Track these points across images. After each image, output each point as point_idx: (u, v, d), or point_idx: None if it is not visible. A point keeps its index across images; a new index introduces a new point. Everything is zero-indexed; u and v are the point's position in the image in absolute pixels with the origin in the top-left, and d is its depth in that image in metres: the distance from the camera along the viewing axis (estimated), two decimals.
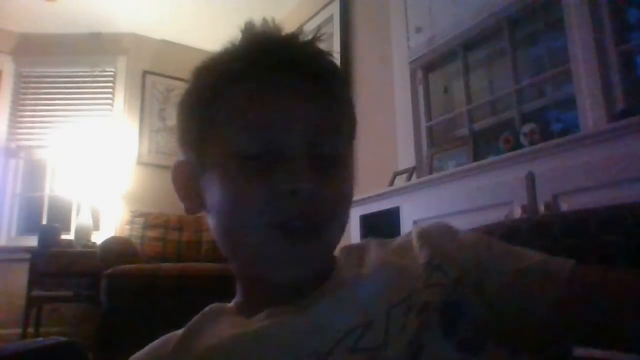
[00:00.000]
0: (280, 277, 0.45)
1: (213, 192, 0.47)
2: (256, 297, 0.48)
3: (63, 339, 0.53)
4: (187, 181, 0.51)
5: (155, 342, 0.49)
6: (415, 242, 0.50)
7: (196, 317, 0.49)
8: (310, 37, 0.48)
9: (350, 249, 0.53)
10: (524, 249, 0.48)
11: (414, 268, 0.47)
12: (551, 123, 1.97)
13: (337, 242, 0.49)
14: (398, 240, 0.53)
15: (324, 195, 0.44)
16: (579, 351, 0.56)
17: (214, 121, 0.47)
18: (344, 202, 0.48)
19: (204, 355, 0.43)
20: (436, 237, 0.50)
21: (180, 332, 0.48)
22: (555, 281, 0.43)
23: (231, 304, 0.52)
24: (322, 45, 0.49)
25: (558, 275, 0.43)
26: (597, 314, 0.42)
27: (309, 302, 0.44)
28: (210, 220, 0.49)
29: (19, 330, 2.89)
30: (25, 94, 3.72)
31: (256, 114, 0.44)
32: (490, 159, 1.78)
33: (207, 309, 0.51)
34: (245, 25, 0.49)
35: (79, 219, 3.27)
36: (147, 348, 0.49)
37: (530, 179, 1.43)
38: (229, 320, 0.48)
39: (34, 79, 3.75)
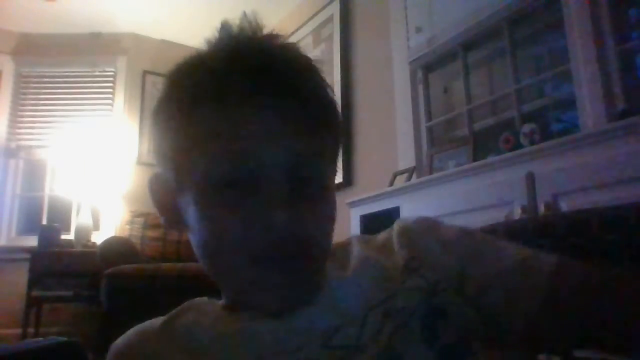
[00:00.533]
0: (267, 305, 0.43)
1: (190, 215, 0.45)
2: (240, 304, 0.48)
3: (63, 339, 0.53)
4: (164, 196, 0.48)
5: (135, 329, 0.49)
6: (395, 240, 0.49)
7: (175, 311, 0.49)
8: (288, 41, 0.45)
9: (334, 251, 0.51)
10: (508, 245, 0.46)
11: (394, 269, 0.46)
12: (551, 123, 1.97)
13: (324, 261, 0.47)
14: (381, 236, 0.52)
15: (302, 224, 0.41)
16: (580, 352, 0.56)
17: (187, 142, 0.43)
18: (327, 225, 0.45)
19: (187, 333, 0.45)
20: (417, 236, 0.48)
21: (162, 318, 0.49)
22: (533, 285, 0.42)
23: (219, 302, 0.52)
24: (311, 49, 0.46)
25: (536, 277, 0.42)
26: (577, 320, 0.42)
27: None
28: (191, 238, 0.47)
29: (19, 331, 2.89)
30: (25, 94, 3.72)
31: (231, 139, 0.41)
32: (490, 159, 1.78)
33: (193, 300, 0.51)
34: (222, 25, 0.46)
35: (79, 219, 3.27)
36: (124, 337, 0.49)
37: (530, 179, 1.43)
38: (214, 312, 0.48)
39: (34, 79, 3.75)
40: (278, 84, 0.41)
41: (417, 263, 0.45)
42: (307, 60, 0.45)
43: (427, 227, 0.49)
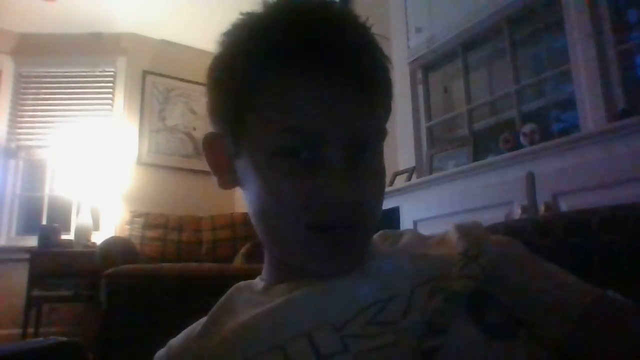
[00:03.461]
0: (319, 270, 0.45)
1: (249, 179, 0.46)
2: (286, 272, 0.48)
3: (63, 339, 0.53)
4: (219, 156, 0.49)
5: (188, 328, 0.50)
6: (452, 234, 0.51)
7: (220, 300, 0.50)
8: (357, 19, 0.46)
9: (387, 234, 0.54)
10: (552, 267, 0.47)
11: (448, 255, 0.47)
12: (551, 123, 1.97)
13: (374, 231, 0.49)
14: (436, 235, 0.54)
15: (359, 196, 0.43)
16: None
17: (254, 109, 0.44)
18: (380, 195, 0.47)
19: (227, 336, 0.44)
20: (475, 232, 0.50)
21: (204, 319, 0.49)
22: (563, 320, 0.42)
23: (256, 280, 0.52)
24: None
25: (567, 314, 0.42)
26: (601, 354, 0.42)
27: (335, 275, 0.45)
28: (246, 198, 0.48)
29: (19, 330, 2.89)
30: (25, 94, 3.72)
31: (301, 111, 0.42)
32: (490, 159, 1.78)
33: (232, 288, 0.51)
34: None
35: (79, 219, 3.26)
36: (181, 333, 0.50)
37: (530, 179, 1.43)
38: (251, 298, 0.48)
39: (34, 79, 3.75)
40: (347, 62, 0.42)
41: (476, 251, 0.47)
42: (373, 38, 0.46)
43: (483, 227, 0.52)
